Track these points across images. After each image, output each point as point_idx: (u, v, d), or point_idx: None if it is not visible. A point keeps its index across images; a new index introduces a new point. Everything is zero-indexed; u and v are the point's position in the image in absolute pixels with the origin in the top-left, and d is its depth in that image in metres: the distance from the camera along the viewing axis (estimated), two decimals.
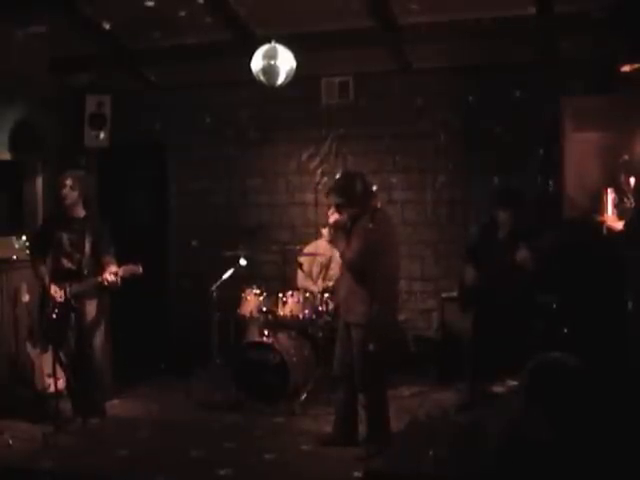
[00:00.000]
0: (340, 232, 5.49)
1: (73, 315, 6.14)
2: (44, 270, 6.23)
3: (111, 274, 6.03)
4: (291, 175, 8.32)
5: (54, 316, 6.05)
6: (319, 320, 6.83)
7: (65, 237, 6.19)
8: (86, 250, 6.19)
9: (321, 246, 7.34)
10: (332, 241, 5.86)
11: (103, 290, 6.23)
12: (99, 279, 6.08)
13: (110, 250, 6.25)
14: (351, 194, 5.39)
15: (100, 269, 6.15)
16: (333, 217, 5.52)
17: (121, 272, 6.06)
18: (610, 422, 3.51)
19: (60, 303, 6.08)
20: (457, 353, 6.67)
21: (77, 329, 6.19)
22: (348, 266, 5.44)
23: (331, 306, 6.78)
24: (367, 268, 5.32)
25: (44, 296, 6.20)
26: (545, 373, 3.71)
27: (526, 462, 3.25)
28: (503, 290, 6.08)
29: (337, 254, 6.32)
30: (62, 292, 6.10)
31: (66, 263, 6.19)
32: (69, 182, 6.18)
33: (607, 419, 3.51)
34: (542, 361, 3.96)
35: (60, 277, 6.16)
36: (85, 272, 6.18)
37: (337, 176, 5.78)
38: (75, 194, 6.20)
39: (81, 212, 6.26)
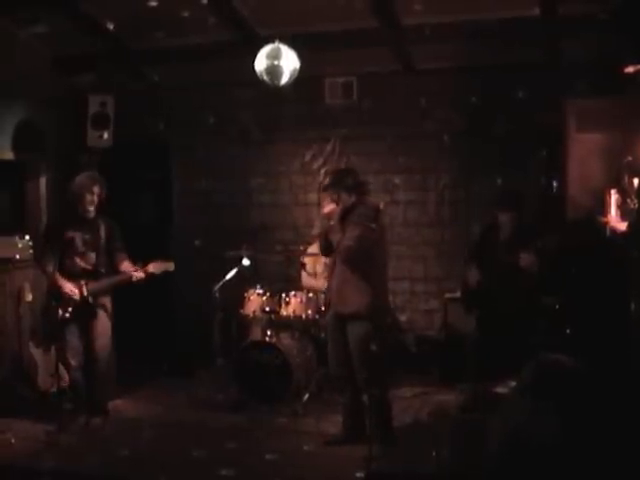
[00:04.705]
0: (335, 223, 5.52)
1: (87, 313, 6.15)
2: (52, 268, 6.18)
3: (140, 271, 6.07)
4: (294, 175, 8.31)
5: (67, 315, 6.06)
6: (322, 320, 6.83)
7: (79, 237, 6.19)
8: (101, 249, 6.21)
9: None
10: (320, 236, 5.87)
11: (116, 288, 6.29)
12: (128, 275, 6.16)
13: (123, 247, 6.31)
14: (344, 185, 5.54)
15: (114, 267, 6.19)
16: (328, 208, 5.56)
17: (152, 268, 6.11)
18: (613, 425, 3.50)
19: (76, 302, 6.09)
20: (460, 354, 6.68)
21: (90, 328, 6.21)
22: (346, 254, 5.43)
23: None
24: (364, 257, 5.39)
25: (53, 295, 6.18)
26: (545, 374, 3.69)
27: (528, 464, 3.25)
28: (506, 291, 6.08)
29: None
30: (77, 290, 6.10)
31: (80, 263, 6.20)
32: (97, 189, 6.19)
33: (610, 422, 3.50)
34: (542, 362, 3.95)
35: (75, 277, 6.16)
36: (102, 270, 6.21)
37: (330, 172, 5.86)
38: (97, 199, 6.22)
39: (94, 212, 6.27)
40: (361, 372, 5.45)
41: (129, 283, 6.19)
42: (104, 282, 6.20)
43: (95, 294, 6.17)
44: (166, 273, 6.21)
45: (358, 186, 5.65)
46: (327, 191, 5.61)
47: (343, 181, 5.56)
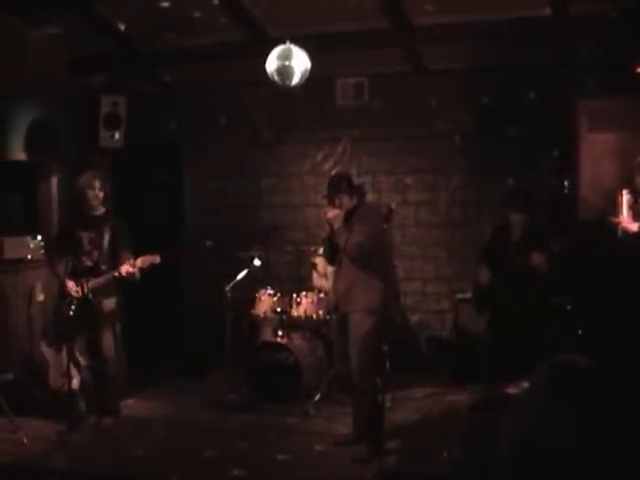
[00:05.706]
0: (340, 226, 5.53)
1: (89, 311, 6.17)
2: (62, 268, 6.22)
3: (128, 266, 6.08)
4: (306, 176, 8.30)
5: (70, 313, 6.08)
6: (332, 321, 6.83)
7: (85, 236, 6.24)
8: (104, 247, 6.23)
9: None
10: (324, 242, 5.89)
11: (120, 285, 6.28)
12: (115, 272, 6.13)
13: (128, 246, 6.30)
14: (344, 189, 5.59)
15: (118, 265, 6.21)
16: (332, 212, 5.56)
17: (139, 263, 6.11)
18: (626, 425, 3.49)
19: (77, 299, 6.12)
20: (471, 354, 6.66)
21: (93, 326, 6.22)
22: (357, 250, 5.42)
23: None
24: (374, 255, 5.41)
25: (62, 294, 6.22)
26: (558, 375, 3.69)
27: (539, 464, 3.24)
28: (517, 291, 6.07)
29: None
30: (79, 288, 6.14)
31: (86, 261, 6.24)
32: (97, 184, 6.25)
33: (623, 422, 3.49)
34: (555, 363, 3.95)
35: (80, 275, 6.20)
36: (103, 267, 6.22)
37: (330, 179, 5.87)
38: (102, 194, 6.27)
39: (100, 210, 6.32)
40: (358, 367, 5.41)
41: (124, 278, 6.18)
42: (102, 278, 6.21)
43: (94, 291, 6.19)
44: (152, 267, 6.18)
45: (356, 188, 5.74)
46: (330, 197, 5.63)
47: (342, 185, 5.62)
